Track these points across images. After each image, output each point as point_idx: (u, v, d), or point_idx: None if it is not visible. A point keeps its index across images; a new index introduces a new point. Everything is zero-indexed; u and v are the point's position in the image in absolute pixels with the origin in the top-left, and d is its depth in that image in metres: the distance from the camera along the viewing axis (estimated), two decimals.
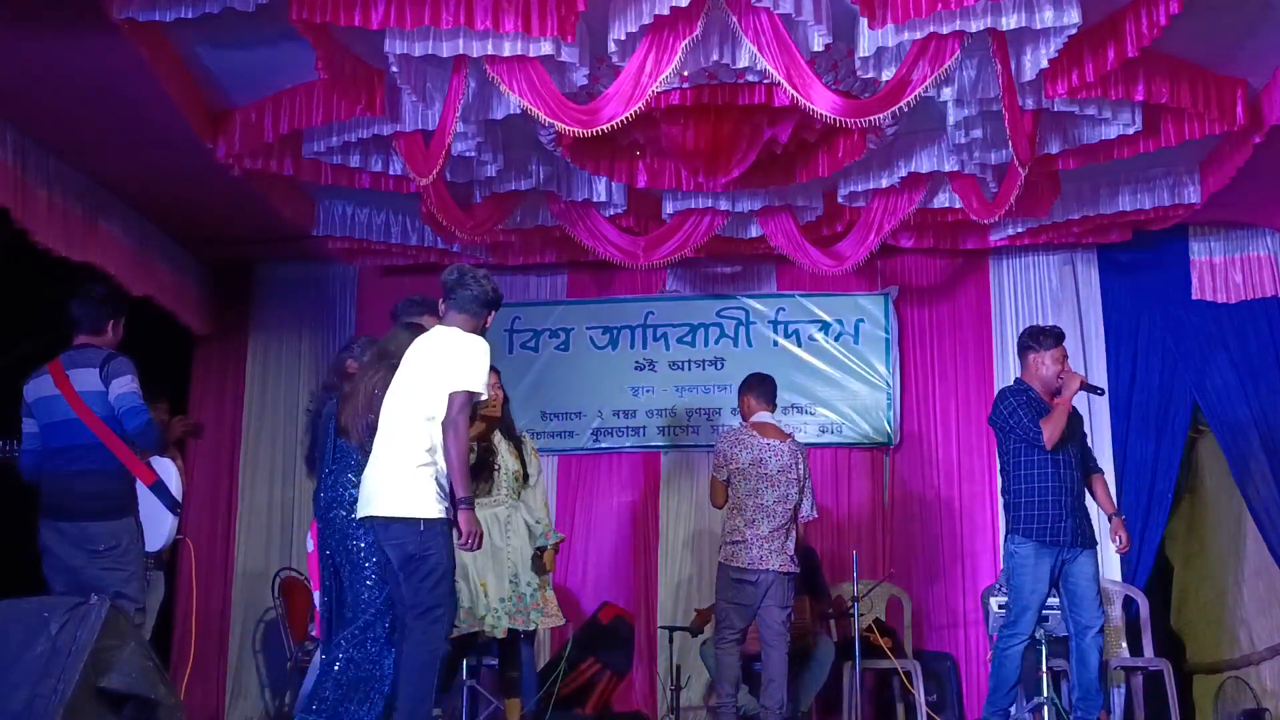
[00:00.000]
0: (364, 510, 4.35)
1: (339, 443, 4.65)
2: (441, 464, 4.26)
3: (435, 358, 4.33)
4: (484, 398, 4.37)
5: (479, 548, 4.38)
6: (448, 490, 4.27)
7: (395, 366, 4.44)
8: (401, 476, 4.25)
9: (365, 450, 4.42)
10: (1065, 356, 5.60)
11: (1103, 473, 5.84)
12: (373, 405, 4.41)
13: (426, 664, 4.23)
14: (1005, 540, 5.59)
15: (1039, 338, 5.62)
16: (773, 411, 6.27)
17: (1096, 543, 5.55)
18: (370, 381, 4.49)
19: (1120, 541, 5.60)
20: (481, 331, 4.45)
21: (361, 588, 4.50)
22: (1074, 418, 5.55)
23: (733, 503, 6.04)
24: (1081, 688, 5.41)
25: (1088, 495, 5.65)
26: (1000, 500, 5.82)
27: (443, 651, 4.30)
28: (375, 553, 4.42)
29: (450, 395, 4.25)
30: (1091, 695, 5.36)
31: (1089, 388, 5.62)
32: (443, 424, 4.25)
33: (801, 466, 6.07)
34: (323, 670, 4.46)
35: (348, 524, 4.54)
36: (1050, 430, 5.37)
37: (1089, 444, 5.81)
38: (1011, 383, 5.79)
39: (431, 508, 4.24)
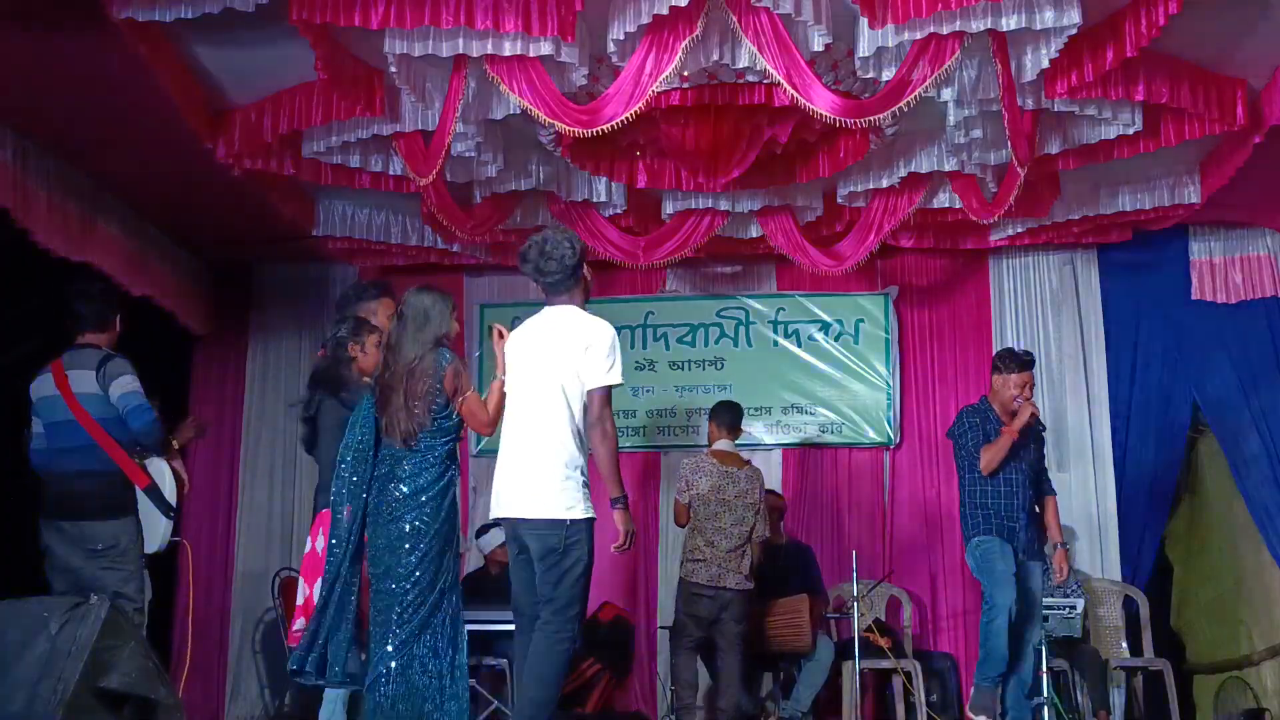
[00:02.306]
0: (504, 512, 4.28)
1: (387, 440, 4.44)
2: (583, 461, 4.22)
3: (565, 350, 4.26)
4: (620, 384, 4.29)
5: (631, 547, 4.39)
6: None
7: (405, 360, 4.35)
8: (548, 479, 4.20)
9: (410, 448, 4.33)
10: (1028, 384, 5.81)
11: (1055, 495, 5.98)
12: (416, 408, 4.31)
13: (557, 662, 4.19)
14: (968, 546, 5.80)
15: (1007, 361, 5.89)
16: (735, 438, 6.53)
17: (1045, 559, 5.80)
18: (412, 383, 4.34)
19: (1060, 573, 5.81)
20: (586, 293, 4.41)
21: (404, 604, 4.29)
22: (1029, 440, 5.78)
23: (694, 524, 6.31)
24: (1012, 695, 5.64)
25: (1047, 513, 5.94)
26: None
27: (574, 649, 4.26)
28: (425, 567, 4.29)
29: (590, 394, 4.22)
30: (1021, 703, 5.61)
31: (1038, 423, 5.86)
32: (588, 425, 4.22)
33: (757, 492, 6.35)
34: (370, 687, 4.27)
35: (398, 532, 4.34)
36: (988, 458, 5.67)
37: (1045, 464, 5.98)
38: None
39: (579, 509, 4.21)
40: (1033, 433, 5.84)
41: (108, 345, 4.91)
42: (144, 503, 4.86)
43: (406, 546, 4.29)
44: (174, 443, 5.15)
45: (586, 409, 4.24)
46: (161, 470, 4.98)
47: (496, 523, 5.08)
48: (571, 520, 4.19)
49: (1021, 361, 5.86)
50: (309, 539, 4.79)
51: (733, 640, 6.23)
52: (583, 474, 4.25)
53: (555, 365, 4.27)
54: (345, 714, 4.64)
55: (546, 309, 4.45)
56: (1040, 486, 5.91)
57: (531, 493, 4.23)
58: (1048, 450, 7.53)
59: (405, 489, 4.32)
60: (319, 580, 4.58)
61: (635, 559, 7.69)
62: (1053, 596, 6.30)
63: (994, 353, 6.21)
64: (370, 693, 4.23)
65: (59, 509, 4.72)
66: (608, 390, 4.24)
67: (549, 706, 4.18)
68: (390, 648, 4.24)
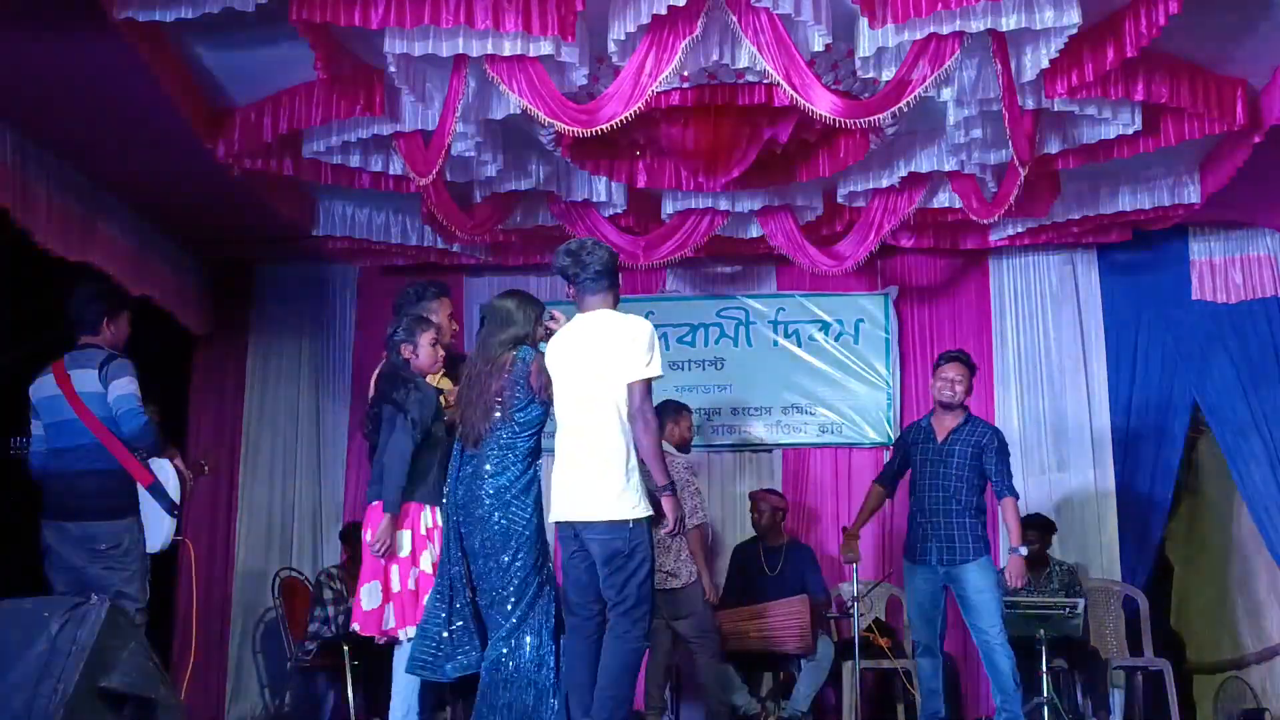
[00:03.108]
0: (564, 515, 4.33)
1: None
2: (637, 459, 4.26)
3: (610, 352, 4.30)
4: (660, 376, 4.35)
5: (682, 533, 4.45)
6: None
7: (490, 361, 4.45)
8: (606, 481, 4.24)
9: (478, 448, 4.42)
10: (944, 378, 5.88)
11: (1012, 497, 5.81)
12: (495, 406, 4.42)
13: (632, 662, 4.26)
14: None
15: (938, 358, 6.04)
16: (672, 441, 6.48)
17: (979, 554, 5.67)
18: (492, 381, 4.44)
19: (1009, 578, 5.73)
20: (616, 299, 4.47)
21: (505, 598, 4.42)
22: (954, 445, 5.78)
23: None
24: (999, 691, 5.57)
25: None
26: None
27: (644, 649, 4.32)
28: (520, 562, 4.40)
29: (630, 387, 4.26)
30: (1010, 694, 5.52)
31: (984, 434, 5.89)
32: (630, 415, 4.26)
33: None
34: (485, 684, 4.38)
35: (490, 531, 4.44)
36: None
37: (993, 469, 5.83)
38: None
39: (640, 508, 4.25)
40: (955, 447, 5.79)
41: (110, 346, 4.91)
42: (147, 501, 4.86)
43: (499, 544, 4.41)
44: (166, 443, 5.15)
45: (628, 401, 4.28)
46: (165, 469, 4.99)
47: None
48: (634, 521, 4.24)
49: (943, 357, 5.98)
50: (367, 530, 4.79)
51: (691, 638, 6.22)
52: (638, 472, 4.30)
53: (602, 368, 4.32)
54: (419, 707, 4.70)
55: (581, 316, 4.47)
56: (995, 490, 5.84)
57: (592, 496, 4.27)
58: (1048, 449, 7.58)
59: (491, 486, 4.42)
60: (369, 580, 4.71)
61: None
62: (1053, 596, 6.30)
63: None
64: (486, 681, 4.34)
65: (61, 509, 4.72)
66: (648, 382, 4.30)
67: (626, 705, 4.24)
68: (500, 640, 4.38)
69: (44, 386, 4.81)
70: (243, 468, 7.99)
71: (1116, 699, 6.81)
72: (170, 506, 4.96)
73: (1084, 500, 7.44)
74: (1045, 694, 5.86)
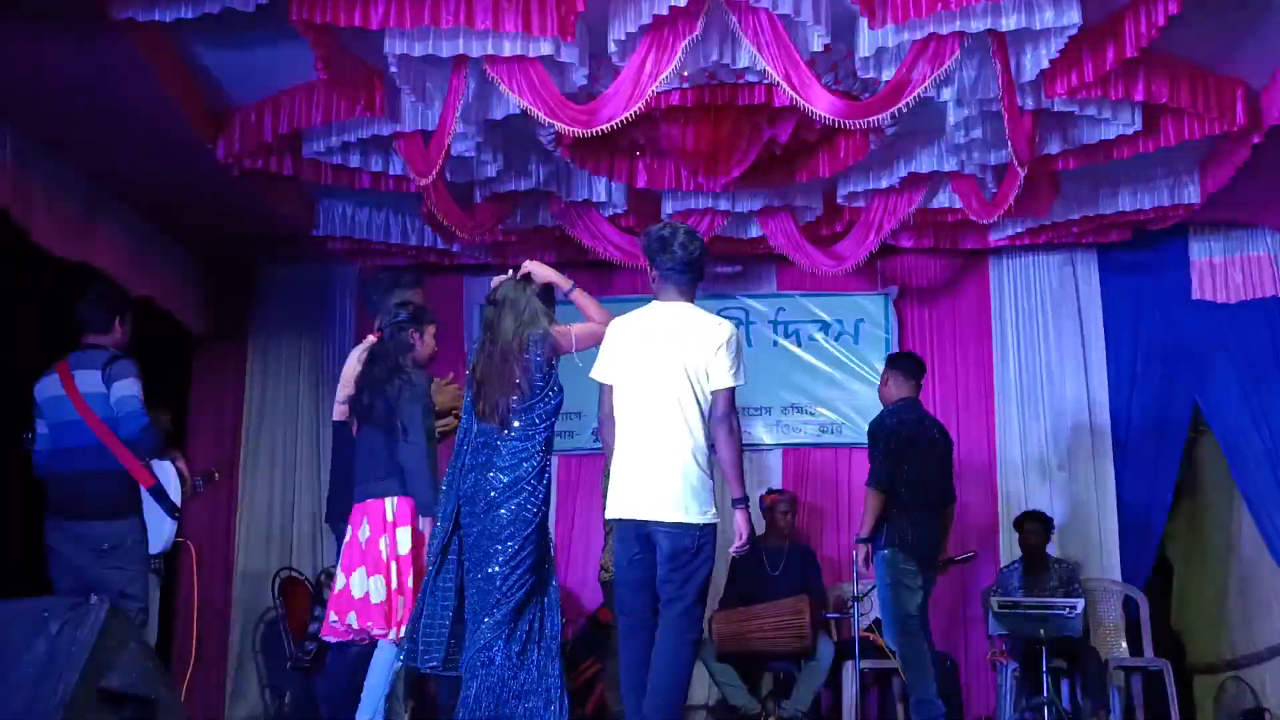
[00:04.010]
0: (630, 513, 4.20)
1: (483, 427, 4.33)
2: (705, 462, 4.17)
3: (695, 349, 4.18)
4: (743, 384, 4.26)
5: (745, 549, 4.35)
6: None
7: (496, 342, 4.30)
8: (683, 481, 4.13)
9: (507, 429, 4.26)
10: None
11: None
12: (519, 382, 4.25)
13: (689, 659, 4.18)
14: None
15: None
16: None
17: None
18: (512, 360, 4.28)
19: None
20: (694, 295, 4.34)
21: (501, 590, 4.24)
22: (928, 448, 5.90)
23: None
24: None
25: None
26: None
27: (697, 650, 4.25)
28: (524, 553, 4.24)
29: (719, 394, 4.17)
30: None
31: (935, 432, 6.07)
32: (715, 422, 4.17)
33: None
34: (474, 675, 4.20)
35: (497, 520, 4.27)
36: None
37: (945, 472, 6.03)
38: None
39: (711, 512, 4.16)
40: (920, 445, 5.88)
41: (114, 347, 4.92)
42: (148, 503, 4.86)
43: (507, 533, 4.23)
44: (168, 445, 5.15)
45: (712, 407, 4.20)
46: (166, 471, 4.99)
47: None
48: (704, 524, 4.15)
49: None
50: (349, 528, 4.72)
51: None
52: (711, 476, 4.20)
53: (685, 364, 4.17)
54: (402, 701, 4.62)
55: (660, 304, 4.30)
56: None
57: (665, 496, 4.14)
58: (1048, 449, 7.59)
59: (505, 478, 4.25)
60: (358, 570, 4.58)
61: None
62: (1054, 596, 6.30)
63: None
64: (468, 679, 4.18)
65: (65, 509, 4.73)
66: (733, 390, 4.21)
67: (683, 702, 4.18)
68: (487, 634, 4.19)
69: (48, 386, 4.81)
70: (243, 468, 7.99)
71: (1116, 699, 6.81)
72: (171, 509, 4.96)
73: (1084, 500, 7.45)
74: (1045, 694, 5.85)
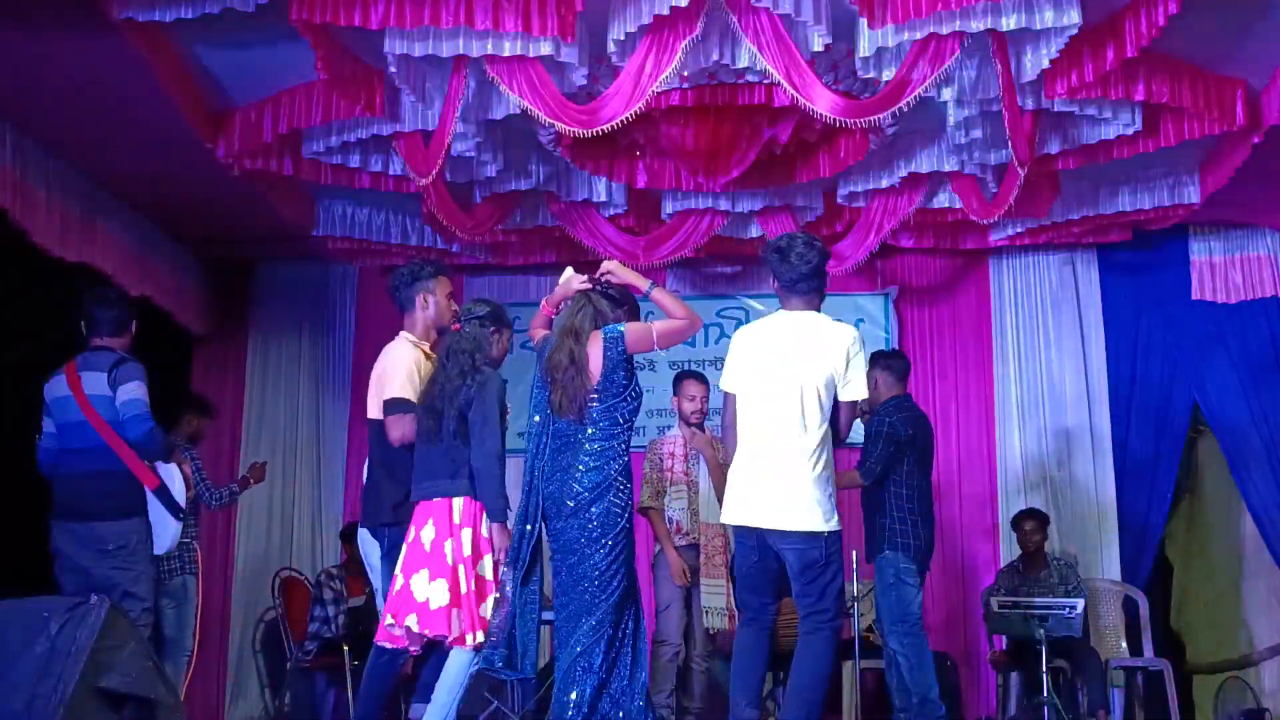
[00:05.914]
0: (752, 520, 4.19)
1: (559, 427, 4.26)
2: (827, 471, 4.16)
3: (823, 358, 4.16)
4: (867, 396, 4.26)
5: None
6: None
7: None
8: (804, 490, 4.10)
9: (588, 426, 4.22)
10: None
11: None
12: (591, 376, 4.21)
13: (828, 665, 4.18)
14: None
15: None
16: None
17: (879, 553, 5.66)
18: (579, 361, 4.23)
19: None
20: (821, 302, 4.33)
21: (602, 597, 4.18)
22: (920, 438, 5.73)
23: None
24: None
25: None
26: None
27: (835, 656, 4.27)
28: (613, 556, 4.19)
29: (845, 405, 4.19)
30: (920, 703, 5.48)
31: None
32: (839, 433, 4.21)
33: None
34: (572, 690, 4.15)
35: (586, 522, 4.20)
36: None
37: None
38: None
39: (834, 520, 4.14)
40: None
41: (122, 349, 4.92)
42: (153, 504, 4.86)
43: (599, 535, 4.18)
44: (177, 450, 5.15)
45: (840, 417, 4.21)
46: (171, 472, 4.98)
47: None
48: (829, 533, 4.13)
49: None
50: (411, 528, 4.50)
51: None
52: (833, 483, 4.20)
53: (811, 372, 4.15)
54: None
55: (786, 313, 4.29)
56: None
57: (788, 504, 4.11)
58: (1048, 448, 7.59)
59: (592, 479, 4.20)
60: (419, 572, 4.40)
61: (642, 567, 7.65)
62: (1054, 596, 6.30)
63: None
64: (566, 684, 4.14)
65: (69, 510, 4.73)
66: (856, 405, 4.24)
67: (823, 703, 4.20)
68: (586, 639, 4.15)
69: (56, 387, 4.82)
70: (243, 468, 7.98)
71: (1116, 699, 6.81)
72: (176, 510, 4.95)
73: (1084, 500, 7.44)
74: (1045, 694, 5.85)
